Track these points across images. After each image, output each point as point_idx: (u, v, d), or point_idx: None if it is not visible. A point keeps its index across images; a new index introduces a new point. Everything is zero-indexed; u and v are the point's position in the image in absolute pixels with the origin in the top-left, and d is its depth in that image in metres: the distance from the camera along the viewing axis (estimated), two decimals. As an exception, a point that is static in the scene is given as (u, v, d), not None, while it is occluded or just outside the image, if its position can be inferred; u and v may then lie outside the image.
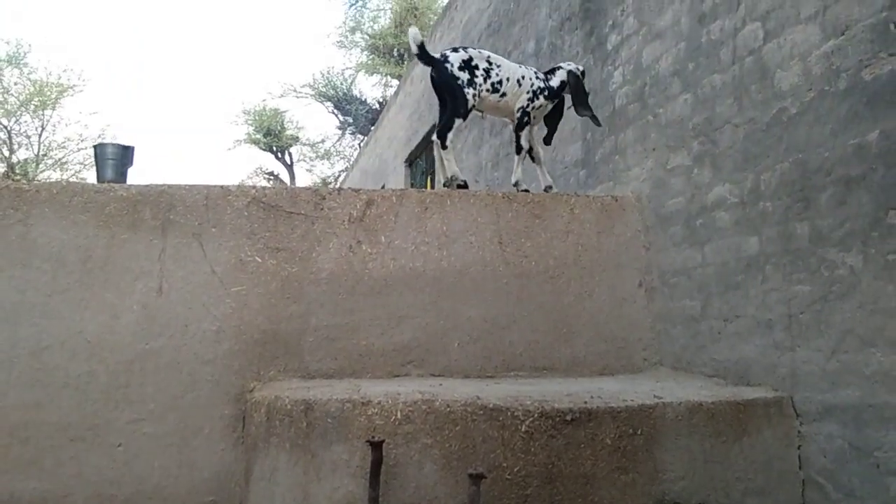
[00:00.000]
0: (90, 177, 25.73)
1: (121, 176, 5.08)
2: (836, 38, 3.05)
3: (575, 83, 4.72)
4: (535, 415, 2.82)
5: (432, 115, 10.10)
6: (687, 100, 4.09)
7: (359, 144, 27.63)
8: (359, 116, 28.30)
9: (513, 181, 4.79)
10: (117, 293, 3.78)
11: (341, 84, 29.05)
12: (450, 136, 4.50)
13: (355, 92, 29.04)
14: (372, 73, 27.92)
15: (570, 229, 4.39)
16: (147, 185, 3.94)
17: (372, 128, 18.59)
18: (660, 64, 4.39)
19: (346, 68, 34.19)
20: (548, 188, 4.86)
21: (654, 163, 4.40)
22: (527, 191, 4.65)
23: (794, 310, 3.22)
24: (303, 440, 2.88)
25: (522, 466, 2.77)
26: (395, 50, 26.15)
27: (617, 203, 4.52)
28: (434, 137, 4.61)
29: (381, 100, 27.51)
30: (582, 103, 4.70)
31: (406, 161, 11.93)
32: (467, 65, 4.49)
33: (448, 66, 4.45)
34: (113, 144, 5.14)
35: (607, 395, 3.12)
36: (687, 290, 4.00)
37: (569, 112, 5.60)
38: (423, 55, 4.45)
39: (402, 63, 25.02)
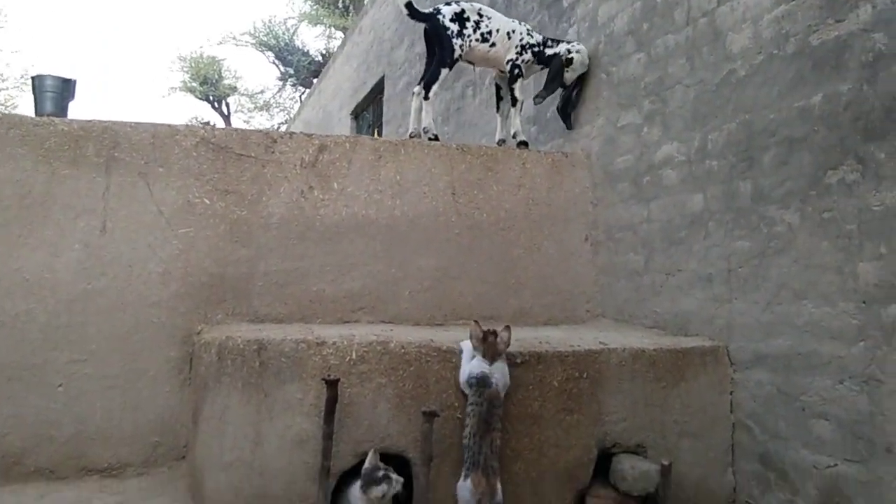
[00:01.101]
0: (26, 108, 24.30)
1: (61, 110, 4.84)
2: (787, 3, 3.15)
3: (556, 66, 4.59)
4: (487, 357, 2.90)
5: (380, 67, 9.95)
6: (640, 59, 4.17)
7: (300, 97, 26.96)
8: (300, 68, 27.54)
9: (511, 133, 4.82)
10: (58, 231, 3.64)
11: (283, 34, 28.12)
12: (434, 87, 4.57)
13: (297, 43, 28.18)
14: (315, 24, 27.10)
15: (522, 183, 4.45)
16: (90, 121, 3.78)
17: (314, 80, 18.14)
18: (615, 23, 4.44)
19: (289, 17, 33.10)
20: (500, 142, 4.92)
21: (605, 120, 4.49)
22: (525, 143, 4.70)
23: (734, 265, 3.38)
24: (255, 379, 2.88)
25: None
26: (341, 1, 25.45)
27: (567, 159, 4.60)
28: (418, 88, 4.63)
29: (324, 52, 26.82)
30: (547, 87, 4.63)
31: (352, 113, 11.74)
32: (458, 17, 4.55)
33: (440, 17, 4.52)
34: (53, 76, 4.87)
35: (555, 341, 3.22)
36: (632, 245, 4.14)
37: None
38: (414, 12, 4.50)
39: (348, 14, 24.39)
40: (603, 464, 3.07)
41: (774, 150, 3.18)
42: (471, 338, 2.83)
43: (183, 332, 3.72)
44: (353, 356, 2.83)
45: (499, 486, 2.61)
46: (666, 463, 2.99)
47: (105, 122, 3.80)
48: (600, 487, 3.03)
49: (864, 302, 2.72)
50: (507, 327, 2.85)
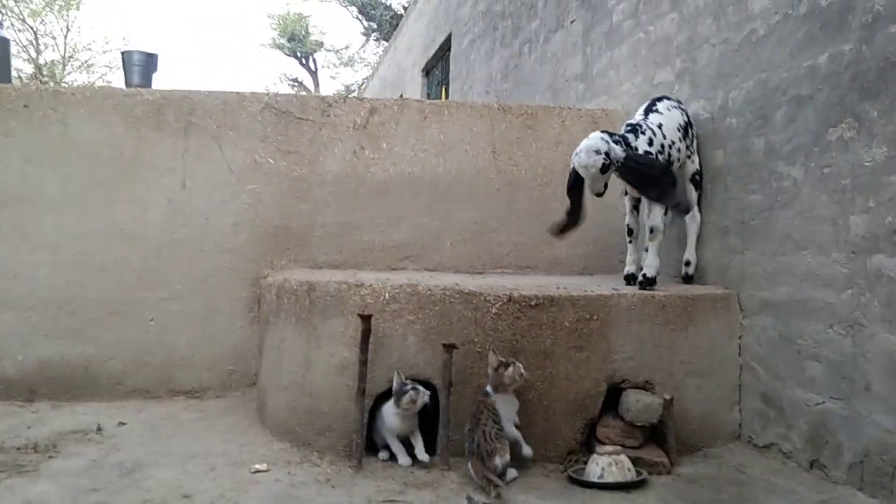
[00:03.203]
0: (116, 80, 25.98)
1: (146, 81, 5.45)
2: (801, -36, 3.26)
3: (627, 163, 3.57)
4: (504, 299, 3.27)
5: (448, 24, 10.21)
6: (674, 18, 4.31)
7: (382, 51, 27.39)
8: (383, 22, 27.87)
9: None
10: (146, 188, 4.24)
11: (366, -13, 28.49)
12: None
13: (380, -4, 28.51)
14: (397, -23, 27.31)
15: (561, 140, 4.72)
16: (170, 91, 4.33)
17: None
18: (653, -18, 4.58)
19: (371, -29, 33.37)
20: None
21: (643, 78, 4.67)
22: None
23: (747, 217, 3.58)
24: (306, 315, 3.38)
25: (491, 342, 3.24)
26: (421, -47, 25.45)
27: (607, 117, 4.82)
28: None
29: (405, 4, 27.03)
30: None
31: (423, 70, 12.07)
32: None
33: None
34: (139, 52, 5.49)
35: (572, 287, 3.55)
36: (661, 199, 4.35)
37: (573, 27, 5.84)
38: None
39: (427, -33, 24.40)
40: (614, 398, 3.41)
41: (785, 108, 3.34)
42: (488, 366, 3.11)
43: (252, 275, 4.28)
44: (387, 296, 3.26)
45: (498, 459, 2.88)
46: (668, 397, 3.31)
47: (182, 91, 4.33)
48: (609, 418, 3.37)
49: (853, 252, 2.92)
50: (518, 365, 3.06)
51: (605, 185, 3.64)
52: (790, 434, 3.23)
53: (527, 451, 3.10)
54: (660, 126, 3.76)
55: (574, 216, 3.75)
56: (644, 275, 3.66)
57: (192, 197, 4.27)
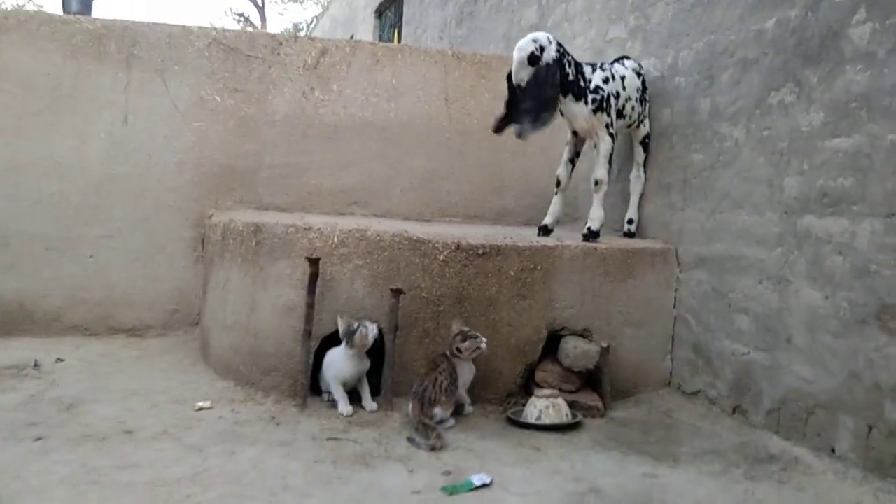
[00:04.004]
0: (51, 6, 24.48)
1: (86, 8, 5.18)
2: (756, -73, 3.31)
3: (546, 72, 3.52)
4: (452, 247, 3.32)
5: (404, -34, 9.95)
6: (630, -26, 4.33)
7: (333, -10, 26.51)
8: (335, -41, 26.95)
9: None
10: (85, 120, 4.08)
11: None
12: None
13: (332, -69, 27.47)
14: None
15: (513, 91, 4.72)
16: (112, 20, 4.14)
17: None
18: (611, -65, 4.57)
19: None
20: None
21: (596, 33, 4.69)
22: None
23: (689, 175, 3.70)
24: (252, 256, 3.36)
25: (438, 288, 3.30)
26: None
27: (559, 70, 4.83)
28: None
29: (359, -57, 26.12)
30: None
31: (376, 12, 11.79)
32: None
33: None
34: (77, -25, 5.21)
35: (518, 237, 3.62)
36: (608, 155, 4.43)
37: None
38: None
39: None
40: (553, 344, 3.53)
41: (731, 69, 3.43)
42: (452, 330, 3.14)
43: (196, 215, 4.21)
44: (335, 240, 3.27)
45: (439, 409, 2.95)
46: (605, 345, 3.44)
47: (125, 21, 4.15)
48: (548, 363, 3.49)
49: (785, 212, 3.06)
50: (479, 339, 3.07)
51: (524, 92, 3.51)
52: (716, 382, 3.42)
53: (469, 409, 3.21)
54: (623, 78, 3.82)
55: (510, 109, 3.66)
56: (588, 227, 3.76)
57: (134, 132, 4.14)
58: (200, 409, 3.02)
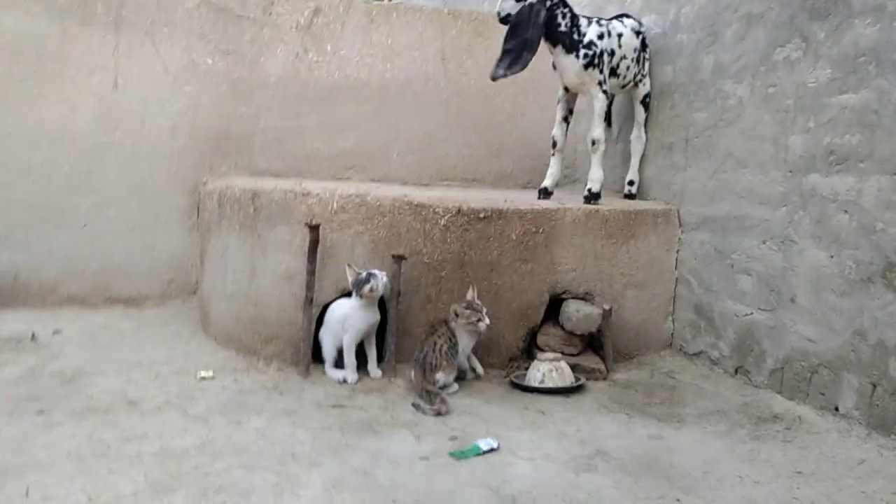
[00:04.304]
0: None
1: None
2: None
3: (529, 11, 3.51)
4: (453, 211, 3.28)
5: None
6: (630, -73, 4.21)
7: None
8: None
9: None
10: (74, 86, 3.98)
11: None
12: None
13: None
14: None
15: (510, 50, 4.62)
16: (97, -20, 4.01)
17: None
18: None
19: None
20: None
21: (595, -11, 4.58)
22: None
23: (691, 134, 3.65)
24: (250, 223, 3.31)
25: (439, 253, 3.26)
26: None
27: (557, 27, 4.73)
28: None
29: None
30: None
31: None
32: None
33: None
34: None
35: (519, 201, 3.57)
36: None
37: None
38: None
39: None
40: (555, 307, 3.52)
41: (735, 25, 3.35)
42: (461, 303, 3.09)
43: (191, 182, 4.14)
44: (335, 206, 3.22)
45: (441, 374, 2.94)
46: (607, 307, 3.43)
47: (111, -19, 4.02)
48: (550, 327, 3.49)
49: (790, 171, 3.02)
50: (483, 317, 3.04)
51: (509, 30, 3.50)
52: (718, 343, 3.42)
53: (479, 371, 3.20)
54: (619, 35, 3.74)
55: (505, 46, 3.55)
56: (589, 189, 3.71)
57: (125, 97, 4.04)
58: (203, 378, 3.00)
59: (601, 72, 3.65)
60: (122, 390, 2.82)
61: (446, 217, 3.28)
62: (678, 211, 3.73)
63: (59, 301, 4.01)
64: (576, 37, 3.60)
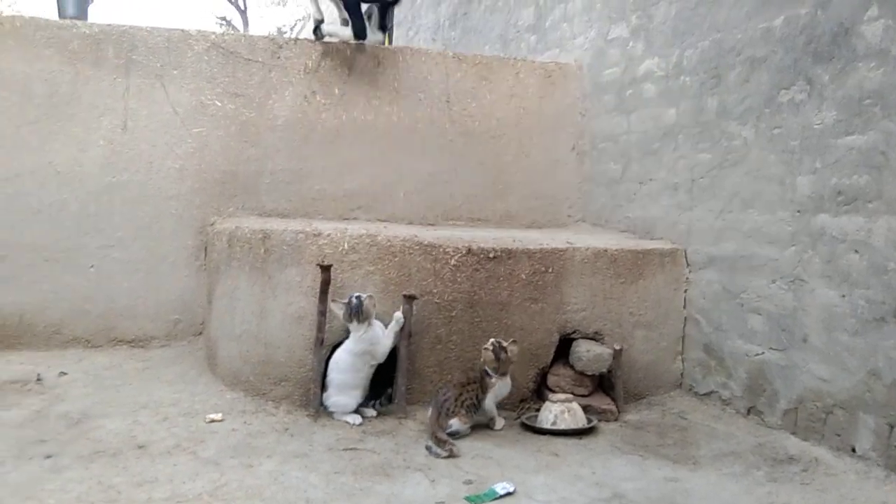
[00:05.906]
0: (40, 10, 24.23)
1: (82, 13, 5.09)
2: (762, -75, 3.30)
3: None
4: (463, 251, 3.29)
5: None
6: (631, -27, 4.31)
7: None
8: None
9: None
10: (84, 128, 4.01)
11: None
12: None
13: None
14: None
15: (515, 93, 4.70)
16: (109, 25, 4.07)
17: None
18: (611, -65, 4.55)
19: None
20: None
21: (597, 33, 4.67)
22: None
23: (696, 175, 3.69)
24: (260, 264, 3.31)
25: (450, 293, 3.26)
26: None
27: (560, 70, 4.82)
28: None
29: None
30: None
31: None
32: None
33: None
34: (73, -20, 5.12)
35: (528, 240, 3.59)
36: (612, 155, 4.43)
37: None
38: None
39: None
40: (565, 347, 3.50)
41: (739, 68, 3.41)
42: (485, 360, 3.07)
43: (198, 223, 4.14)
44: (346, 246, 3.23)
45: (455, 421, 2.92)
46: (618, 347, 3.42)
47: (123, 25, 4.08)
48: (561, 367, 3.47)
49: (798, 211, 3.05)
50: (514, 342, 3.11)
51: None
52: (729, 383, 3.40)
53: (499, 424, 3.13)
54: None
55: None
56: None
57: (134, 139, 4.07)
58: (212, 421, 2.97)
59: None
60: (130, 433, 2.79)
61: (456, 257, 3.29)
62: (685, 250, 3.74)
63: (64, 342, 3.98)
64: None
